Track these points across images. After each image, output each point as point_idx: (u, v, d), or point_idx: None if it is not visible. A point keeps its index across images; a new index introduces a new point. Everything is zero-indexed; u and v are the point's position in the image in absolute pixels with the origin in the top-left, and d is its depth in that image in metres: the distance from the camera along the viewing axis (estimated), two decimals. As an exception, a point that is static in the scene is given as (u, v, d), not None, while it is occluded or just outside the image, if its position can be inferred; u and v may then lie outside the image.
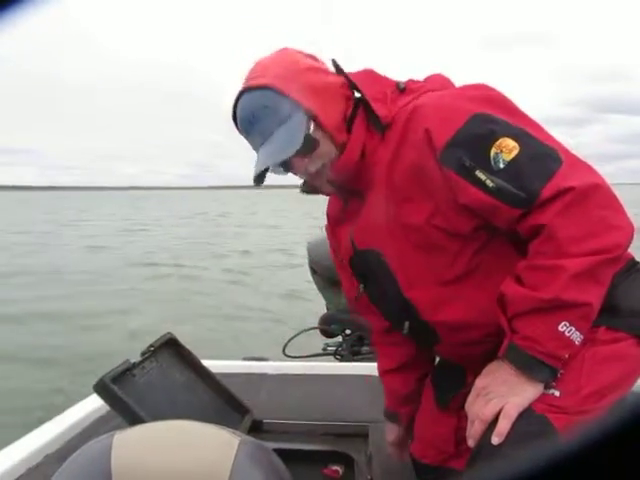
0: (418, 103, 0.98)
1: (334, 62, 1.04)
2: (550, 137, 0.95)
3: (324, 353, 2.69)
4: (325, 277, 2.13)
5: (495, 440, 0.86)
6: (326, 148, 1.01)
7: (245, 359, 2.34)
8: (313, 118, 0.98)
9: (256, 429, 1.58)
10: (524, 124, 0.94)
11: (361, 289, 1.15)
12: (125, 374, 1.30)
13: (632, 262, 1.02)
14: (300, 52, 1.05)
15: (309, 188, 1.13)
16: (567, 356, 0.88)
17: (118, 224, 24.02)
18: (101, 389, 1.20)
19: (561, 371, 0.90)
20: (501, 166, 0.89)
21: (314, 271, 2.11)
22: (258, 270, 10.65)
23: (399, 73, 1.10)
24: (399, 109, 1.00)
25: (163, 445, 1.02)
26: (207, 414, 1.40)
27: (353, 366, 2.19)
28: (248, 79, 1.02)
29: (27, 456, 1.39)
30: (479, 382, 0.93)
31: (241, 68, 1.08)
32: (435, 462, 1.24)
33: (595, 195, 0.87)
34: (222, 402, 1.60)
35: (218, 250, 13.87)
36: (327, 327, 2.16)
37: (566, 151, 0.92)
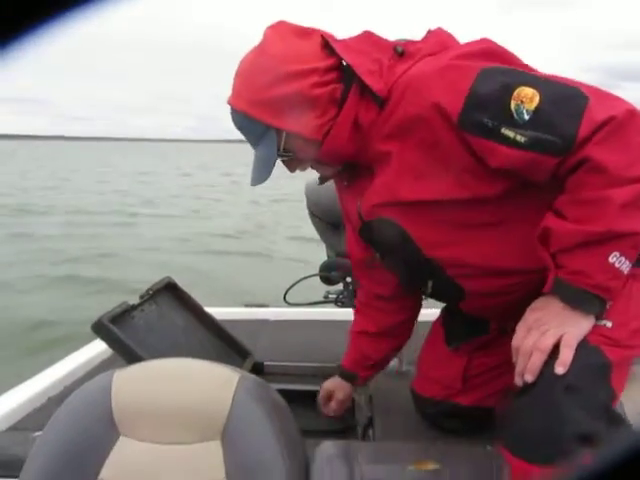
0: (416, 73, 0.93)
1: (324, 39, 0.98)
2: (565, 78, 0.90)
3: (325, 301, 2.68)
4: (324, 220, 2.09)
5: (560, 370, 0.83)
6: (307, 149, 1.02)
7: (246, 306, 2.35)
8: (283, 132, 1.00)
9: (257, 371, 1.59)
10: (529, 68, 0.91)
11: (377, 257, 1.15)
12: (124, 315, 1.30)
13: None
14: (289, 41, 0.98)
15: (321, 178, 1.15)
16: (617, 286, 0.87)
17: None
18: (99, 329, 1.19)
19: (610, 302, 0.89)
20: (526, 117, 0.84)
21: (313, 214, 2.07)
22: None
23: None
24: (397, 78, 0.95)
25: (163, 381, 1.02)
26: (208, 356, 1.39)
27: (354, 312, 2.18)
28: (231, 94, 1.03)
29: (31, 398, 1.41)
30: (530, 316, 0.90)
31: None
32: (439, 397, 1.25)
33: (632, 122, 0.84)
34: (223, 345, 1.60)
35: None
36: (328, 274, 2.14)
37: (587, 86, 0.88)
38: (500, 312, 1.09)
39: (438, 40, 0.99)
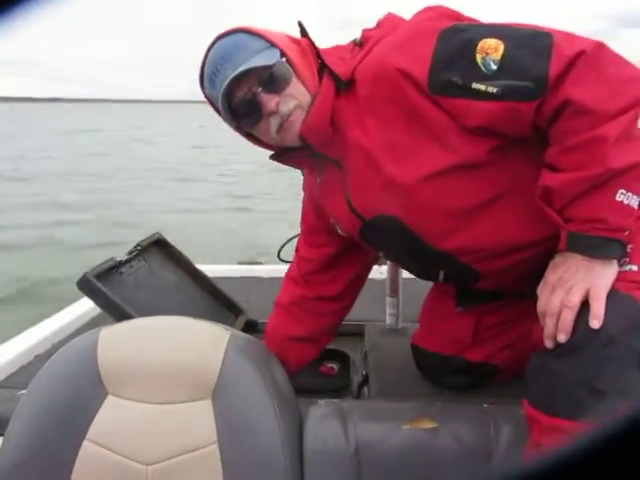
0: (376, 53, 0.92)
1: (300, 24, 0.99)
2: (526, 24, 0.87)
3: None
4: None
5: (595, 323, 0.80)
6: (298, 89, 0.95)
7: (240, 263, 2.31)
8: (287, 57, 0.95)
9: (250, 329, 1.56)
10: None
11: (381, 256, 1.12)
12: (111, 272, 1.25)
13: None
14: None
15: (279, 152, 1.05)
16: (632, 224, 0.83)
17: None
18: (84, 285, 1.15)
19: (631, 245, 0.86)
20: (494, 68, 0.83)
21: None
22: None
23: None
24: (358, 62, 0.94)
25: (151, 339, 0.98)
26: (199, 314, 1.36)
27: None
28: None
29: (17, 356, 1.38)
30: (550, 276, 0.87)
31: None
32: (447, 352, 1.22)
33: (601, 54, 0.81)
34: (215, 302, 1.57)
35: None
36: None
37: (549, 28, 0.85)
38: (517, 283, 1.05)
39: (390, 22, 0.98)
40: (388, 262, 1.56)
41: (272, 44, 0.95)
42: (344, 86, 0.95)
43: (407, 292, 1.57)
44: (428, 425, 0.93)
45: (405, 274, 1.47)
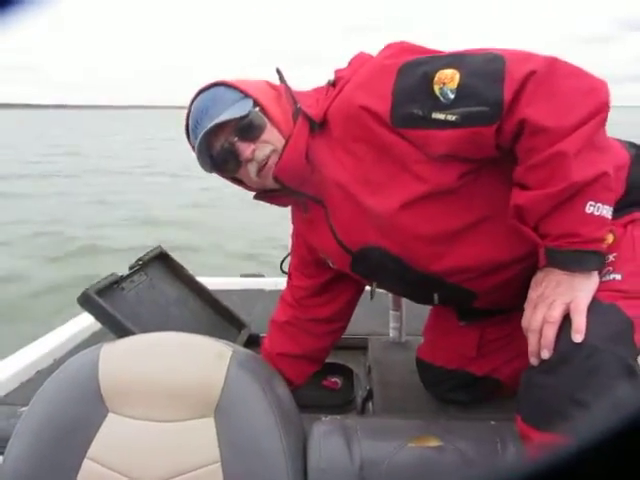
0: (344, 93, 0.96)
1: (278, 71, 1.04)
2: (482, 48, 0.89)
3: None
4: None
5: (577, 337, 0.80)
6: (272, 135, 1.00)
7: (242, 276, 2.30)
8: (259, 105, 1.00)
9: (253, 343, 1.55)
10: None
11: (374, 287, 1.13)
12: (112, 287, 1.24)
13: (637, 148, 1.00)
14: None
15: (261, 193, 1.09)
16: (608, 235, 0.85)
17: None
18: (85, 301, 1.14)
19: (614, 254, 0.88)
20: (452, 97, 0.85)
21: None
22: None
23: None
24: (330, 102, 0.98)
25: (153, 356, 0.97)
26: (202, 329, 1.35)
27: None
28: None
29: (19, 371, 1.37)
30: (532, 294, 0.88)
31: None
32: (451, 366, 1.22)
33: (555, 68, 0.82)
34: (217, 317, 1.56)
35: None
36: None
37: (503, 50, 0.87)
38: (514, 299, 1.06)
39: (359, 61, 1.00)
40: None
41: (246, 94, 1.00)
42: (317, 127, 0.98)
43: (410, 305, 1.56)
44: (433, 443, 0.92)
45: None
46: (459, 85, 0.85)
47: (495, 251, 0.96)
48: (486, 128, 0.83)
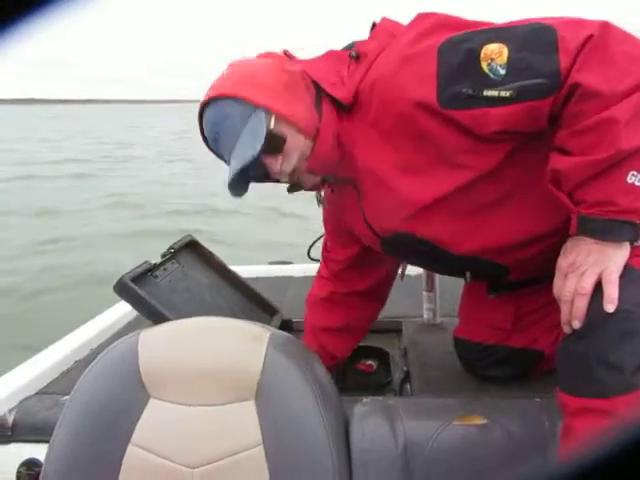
0: (378, 75, 0.91)
1: (285, 52, 1.01)
2: (524, 19, 0.85)
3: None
4: None
5: (609, 307, 0.79)
6: (297, 142, 0.96)
7: (270, 263, 2.30)
8: (273, 114, 0.94)
9: (286, 328, 1.55)
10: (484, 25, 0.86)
11: (405, 267, 1.18)
12: (146, 275, 1.25)
13: None
14: (262, 56, 1.02)
15: (295, 187, 1.05)
16: None
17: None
18: (121, 289, 1.15)
19: None
20: (502, 72, 0.81)
21: None
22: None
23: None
24: (359, 82, 0.93)
25: (191, 341, 0.97)
26: (235, 314, 1.36)
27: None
28: (207, 93, 0.99)
29: (57, 362, 1.39)
30: (562, 262, 0.86)
31: None
32: (490, 341, 1.20)
33: (608, 34, 0.79)
34: (249, 303, 1.56)
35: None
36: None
37: (550, 18, 0.84)
38: (548, 268, 1.04)
39: (385, 32, 0.96)
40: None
41: (255, 105, 0.94)
42: (348, 109, 0.95)
43: (443, 286, 1.54)
44: (478, 421, 0.90)
45: None
46: (509, 59, 0.81)
47: (528, 225, 0.94)
48: (544, 101, 0.81)
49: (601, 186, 0.80)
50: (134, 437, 0.90)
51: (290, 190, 1.06)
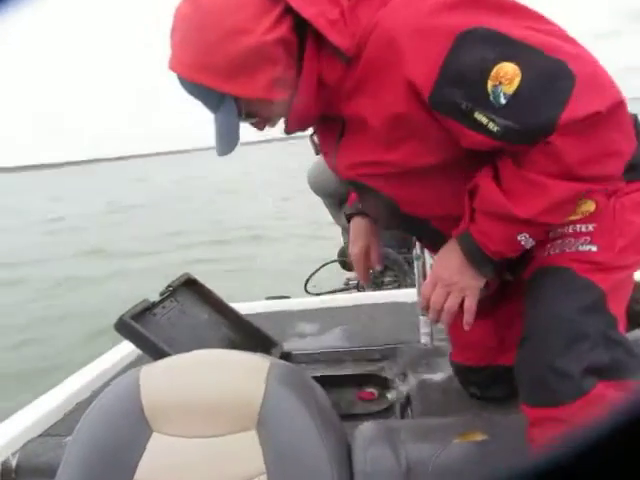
0: (387, 26, 0.83)
1: None
2: (554, 32, 0.82)
3: (346, 287, 2.65)
4: (332, 201, 2.06)
5: (466, 327, 0.95)
6: (272, 110, 0.93)
7: (268, 299, 2.32)
8: (240, 98, 0.89)
9: (285, 361, 1.56)
10: (520, 18, 0.81)
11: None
12: (145, 313, 1.27)
13: None
14: None
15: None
16: (589, 203, 0.90)
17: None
18: (121, 327, 1.17)
19: (594, 225, 0.89)
20: (503, 102, 0.77)
21: (323, 197, 2.04)
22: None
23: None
24: (365, 27, 0.84)
25: (192, 373, 0.98)
26: (235, 348, 1.37)
27: (377, 295, 2.15)
28: (170, 56, 0.89)
29: (59, 404, 1.39)
30: (436, 269, 0.97)
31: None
32: (481, 362, 1.20)
33: (615, 116, 0.78)
34: (248, 337, 1.57)
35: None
36: (346, 259, 2.11)
37: (576, 56, 0.78)
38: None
39: None
40: (417, 283, 1.56)
41: (221, 93, 0.88)
42: (347, 61, 0.86)
43: None
44: (478, 437, 0.91)
45: None
46: (515, 92, 0.76)
47: (450, 201, 0.95)
48: (521, 147, 0.81)
49: (497, 226, 0.86)
50: (138, 472, 0.90)
51: (286, 132, 1.01)
